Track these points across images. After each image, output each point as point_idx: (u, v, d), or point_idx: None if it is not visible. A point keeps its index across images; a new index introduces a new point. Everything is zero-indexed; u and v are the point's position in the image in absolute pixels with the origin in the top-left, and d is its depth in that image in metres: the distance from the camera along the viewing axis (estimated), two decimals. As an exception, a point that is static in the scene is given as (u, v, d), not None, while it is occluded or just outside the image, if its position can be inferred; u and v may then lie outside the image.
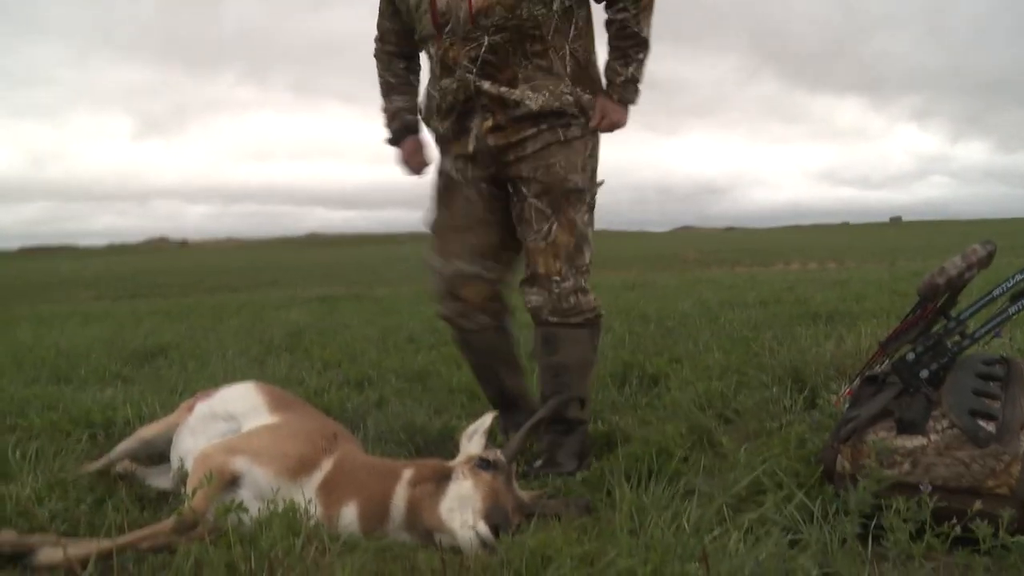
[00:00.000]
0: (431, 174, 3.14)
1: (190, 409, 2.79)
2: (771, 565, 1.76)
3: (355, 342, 6.03)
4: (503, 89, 2.80)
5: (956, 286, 2.46)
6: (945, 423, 2.15)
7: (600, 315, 2.98)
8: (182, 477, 2.48)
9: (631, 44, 2.87)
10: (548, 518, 2.24)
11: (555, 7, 2.77)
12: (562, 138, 2.85)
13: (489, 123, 2.84)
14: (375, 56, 3.19)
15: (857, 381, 2.55)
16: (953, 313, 2.48)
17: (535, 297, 2.92)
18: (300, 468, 2.34)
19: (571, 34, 2.84)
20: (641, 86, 2.93)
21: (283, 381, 4.18)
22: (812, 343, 4.54)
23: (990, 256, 2.52)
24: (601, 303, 2.98)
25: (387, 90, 3.17)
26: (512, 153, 2.85)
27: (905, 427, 2.18)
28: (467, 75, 2.80)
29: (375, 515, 2.25)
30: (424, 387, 4.23)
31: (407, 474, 2.30)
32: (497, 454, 2.31)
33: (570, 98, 2.83)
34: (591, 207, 2.95)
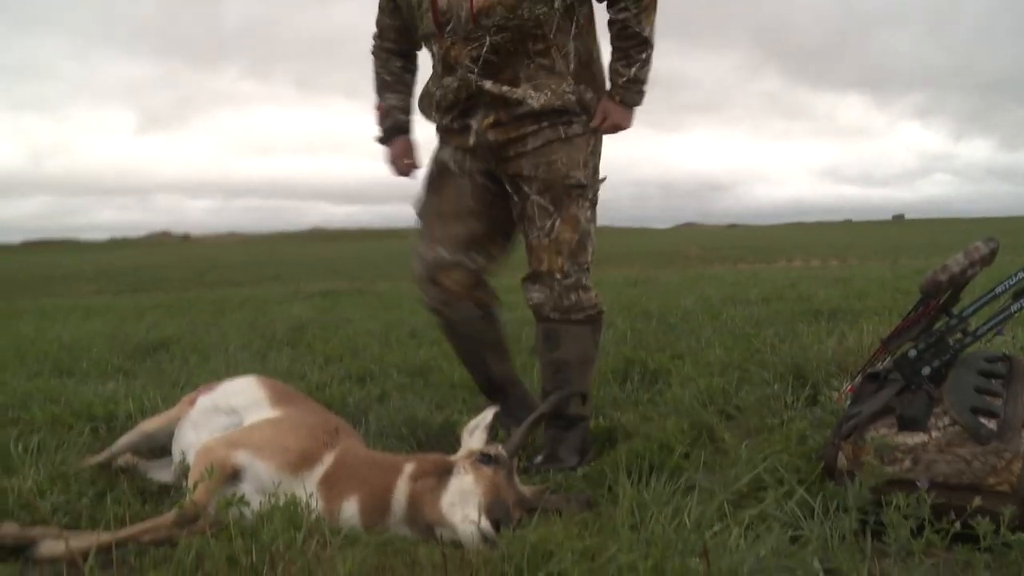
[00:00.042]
0: (419, 175, 3.13)
1: (192, 403, 2.80)
2: (772, 561, 1.76)
3: (357, 337, 6.03)
4: (505, 88, 2.80)
5: (958, 283, 2.45)
6: (946, 420, 2.15)
7: (601, 311, 2.98)
8: (183, 470, 2.48)
9: (633, 44, 2.85)
10: (549, 513, 2.25)
11: (556, 5, 2.76)
12: (563, 135, 2.84)
13: (490, 120, 2.84)
14: (372, 53, 3.18)
15: (859, 378, 2.55)
16: (955, 310, 2.48)
17: (537, 294, 2.92)
18: (301, 462, 2.34)
19: (573, 32, 2.83)
20: (646, 87, 2.91)
21: (285, 375, 4.19)
22: (814, 340, 4.54)
23: (992, 253, 2.52)
24: (602, 299, 2.98)
25: (382, 87, 3.17)
26: (512, 149, 2.85)
27: (906, 424, 2.18)
28: (469, 75, 2.80)
29: (376, 509, 2.25)
30: (426, 382, 4.23)
31: (408, 468, 2.30)
32: (498, 449, 2.31)
33: (572, 97, 2.83)
34: (593, 203, 2.95)
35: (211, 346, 5.94)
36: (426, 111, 3.07)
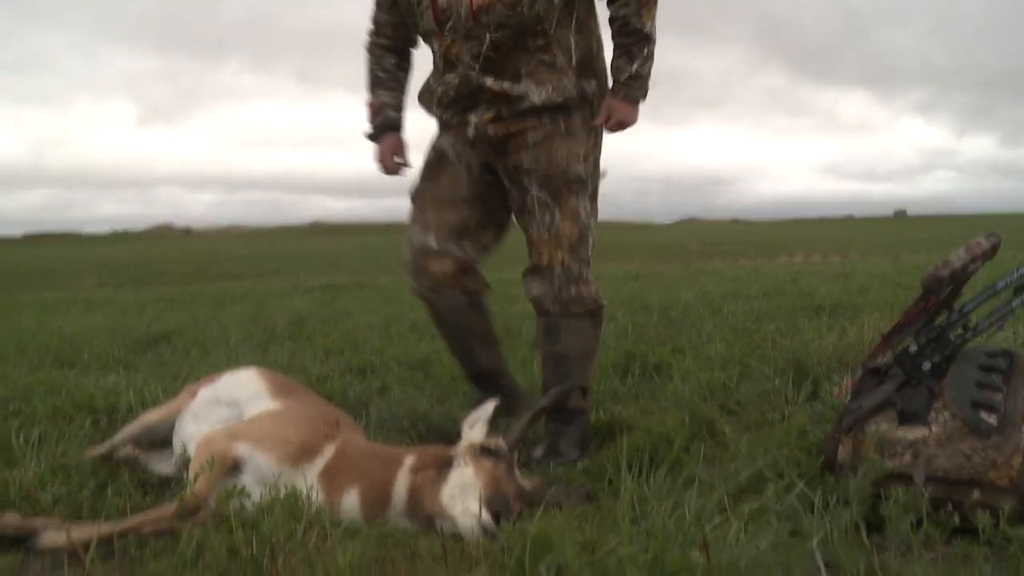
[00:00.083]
0: (407, 173, 3.12)
1: (193, 394, 2.80)
2: (771, 554, 1.76)
3: (357, 330, 6.03)
4: (506, 85, 2.79)
5: (960, 278, 2.45)
6: (947, 415, 2.15)
7: (602, 305, 2.98)
8: (184, 462, 2.48)
9: (634, 40, 2.84)
10: (549, 507, 2.25)
11: (556, 2, 2.75)
12: (563, 129, 2.84)
13: (491, 115, 2.83)
14: (367, 49, 3.14)
15: (859, 373, 2.55)
16: (956, 306, 2.48)
17: (537, 287, 2.92)
18: (302, 454, 2.35)
19: (573, 27, 2.82)
20: (649, 82, 2.89)
21: (285, 369, 4.19)
22: (815, 335, 4.54)
23: (994, 249, 2.52)
24: (603, 293, 2.98)
25: (374, 84, 3.14)
26: (512, 143, 2.85)
27: (907, 418, 2.18)
28: (470, 72, 2.80)
29: (377, 501, 2.26)
30: (427, 375, 4.23)
31: (409, 461, 2.31)
32: (499, 442, 2.32)
33: (573, 91, 2.82)
34: (594, 197, 2.94)
35: (212, 339, 5.94)
36: (427, 105, 3.06)
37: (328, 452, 2.37)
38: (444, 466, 2.26)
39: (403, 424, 3.22)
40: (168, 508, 2.18)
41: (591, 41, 2.90)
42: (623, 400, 3.49)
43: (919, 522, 1.94)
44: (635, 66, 2.85)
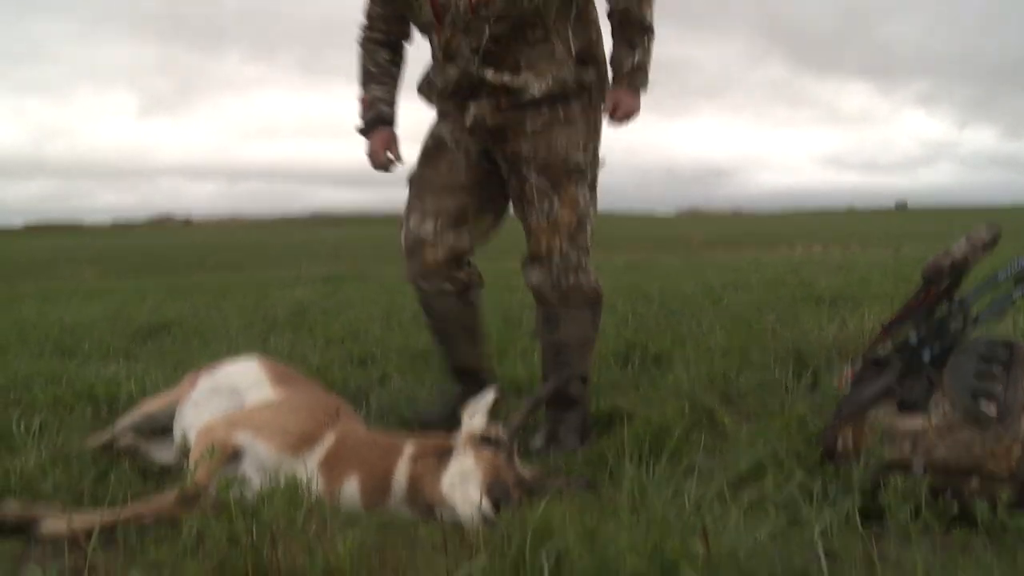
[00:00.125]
0: (398, 169, 3.09)
1: (193, 383, 2.80)
2: (770, 542, 1.77)
3: (359, 321, 6.03)
4: (507, 78, 2.78)
5: (960, 269, 2.45)
6: (947, 405, 2.15)
7: (601, 294, 2.97)
8: (185, 451, 2.49)
9: (636, 31, 2.85)
10: (549, 495, 2.25)
11: None
12: (563, 117, 2.84)
13: (490, 105, 2.82)
14: (359, 43, 3.09)
15: (859, 363, 2.55)
16: (957, 296, 2.48)
17: (536, 275, 2.92)
18: (302, 442, 2.35)
19: (572, 17, 2.82)
20: (650, 73, 2.90)
21: (286, 358, 4.19)
22: (815, 326, 4.55)
23: (995, 240, 2.52)
24: (602, 282, 2.98)
25: (366, 79, 3.08)
26: (511, 131, 2.84)
27: (906, 408, 2.18)
28: (469, 65, 2.79)
29: (377, 490, 2.26)
30: (427, 365, 4.23)
31: (409, 449, 2.31)
32: (499, 430, 2.32)
33: (573, 81, 2.82)
34: (593, 186, 2.94)
35: (213, 329, 5.94)
36: (427, 96, 3.04)
37: (328, 440, 2.38)
38: (444, 455, 2.26)
39: (404, 413, 3.23)
40: (169, 496, 2.19)
41: (590, 31, 2.89)
42: (623, 389, 3.49)
43: (918, 510, 1.94)
44: (638, 57, 2.86)
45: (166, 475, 2.62)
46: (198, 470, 2.22)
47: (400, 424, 3.12)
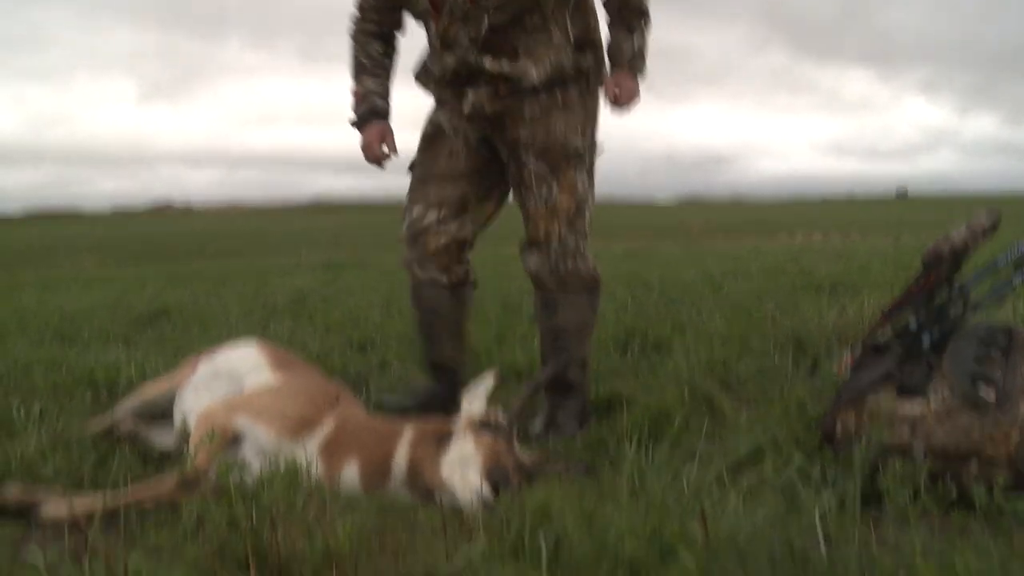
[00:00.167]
0: (394, 162, 3.05)
1: (193, 368, 2.80)
2: (769, 526, 1.77)
3: (358, 308, 6.03)
4: (505, 64, 2.77)
5: (961, 255, 2.45)
6: (946, 390, 2.16)
7: (599, 279, 2.97)
8: (185, 435, 2.49)
9: (634, 16, 2.86)
10: (549, 480, 2.26)
11: None
12: (561, 102, 2.83)
13: (488, 92, 2.81)
14: (351, 35, 3.04)
15: (859, 349, 2.55)
16: (957, 282, 2.48)
17: (534, 261, 2.91)
18: (301, 427, 2.35)
19: (571, 3, 2.81)
20: (647, 58, 2.90)
21: (286, 344, 4.19)
22: (815, 313, 4.54)
23: (995, 225, 2.52)
24: (600, 268, 2.98)
25: (359, 71, 3.03)
26: (509, 118, 2.83)
27: (906, 393, 2.19)
28: (468, 54, 2.77)
29: (376, 474, 2.27)
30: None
31: (408, 434, 2.32)
32: (498, 415, 2.33)
33: (571, 70, 2.81)
34: (591, 171, 2.93)
35: (212, 316, 5.95)
36: (424, 84, 3.02)
37: (328, 425, 2.38)
38: (444, 439, 2.27)
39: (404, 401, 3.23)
40: (169, 480, 2.19)
41: (588, 17, 2.89)
42: (623, 375, 3.49)
43: (916, 494, 1.95)
44: (636, 42, 2.86)
45: (166, 460, 2.63)
46: (198, 454, 2.23)
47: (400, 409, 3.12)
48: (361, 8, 3.03)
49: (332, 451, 2.32)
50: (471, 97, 2.83)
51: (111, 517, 2.07)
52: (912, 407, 2.14)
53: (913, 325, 2.41)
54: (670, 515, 1.79)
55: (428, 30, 2.89)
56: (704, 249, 13.86)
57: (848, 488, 2.00)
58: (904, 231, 17.48)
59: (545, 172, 2.83)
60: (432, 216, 2.95)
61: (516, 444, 2.33)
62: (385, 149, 3.00)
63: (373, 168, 3.02)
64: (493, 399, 2.44)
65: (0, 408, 3.04)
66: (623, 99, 2.85)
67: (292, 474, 2.11)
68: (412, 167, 3.04)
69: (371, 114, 3.01)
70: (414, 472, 2.25)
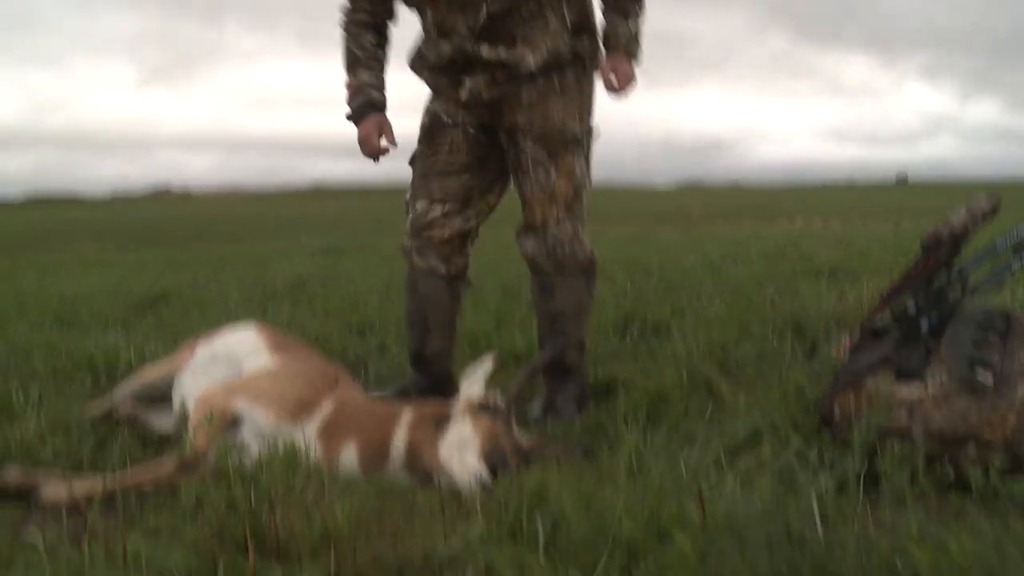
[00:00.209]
0: (392, 155, 3.01)
1: (192, 351, 2.80)
2: (766, 508, 1.78)
3: (358, 292, 6.03)
4: (502, 52, 2.75)
5: (960, 238, 2.45)
6: (944, 373, 2.16)
7: (595, 262, 2.97)
8: (184, 418, 2.50)
9: (629, 1, 2.85)
10: (547, 462, 2.26)
11: None
12: (558, 87, 2.82)
13: (485, 79, 2.80)
14: (343, 27, 2.99)
15: (857, 332, 2.55)
16: (956, 266, 2.48)
17: (531, 245, 2.91)
18: (300, 409, 2.36)
19: None
20: (642, 43, 2.89)
21: (285, 328, 4.19)
22: (814, 297, 4.54)
23: (994, 209, 2.51)
24: (597, 252, 2.97)
25: (352, 63, 2.97)
26: (506, 104, 2.82)
27: (904, 376, 2.19)
28: (465, 42, 2.76)
29: (375, 456, 2.27)
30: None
31: (407, 416, 2.32)
32: (497, 398, 2.33)
33: (568, 55, 2.80)
34: (588, 156, 2.92)
35: (212, 300, 5.95)
36: (418, 71, 2.99)
37: (327, 408, 2.39)
38: (442, 421, 2.27)
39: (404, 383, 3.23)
40: (168, 463, 2.20)
41: (584, 2, 2.88)
42: (622, 359, 3.49)
43: (914, 477, 1.95)
44: (632, 26, 2.86)
45: (165, 443, 2.63)
46: (197, 437, 2.24)
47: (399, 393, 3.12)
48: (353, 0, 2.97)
49: (331, 433, 2.33)
50: (468, 84, 2.81)
51: (110, 499, 2.09)
52: (910, 391, 2.14)
53: (912, 309, 2.41)
54: (668, 498, 1.80)
55: (424, 18, 2.86)
56: (704, 234, 13.85)
57: (846, 471, 2.01)
58: (904, 217, 17.44)
59: (543, 157, 2.83)
60: (437, 211, 2.93)
61: (514, 427, 2.34)
62: (384, 142, 2.95)
63: (370, 161, 2.98)
64: (491, 382, 2.44)
65: (0, 392, 3.04)
66: (619, 84, 2.84)
67: (291, 456, 2.12)
68: (412, 161, 3.02)
69: (368, 107, 2.95)
70: (412, 455, 2.25)
